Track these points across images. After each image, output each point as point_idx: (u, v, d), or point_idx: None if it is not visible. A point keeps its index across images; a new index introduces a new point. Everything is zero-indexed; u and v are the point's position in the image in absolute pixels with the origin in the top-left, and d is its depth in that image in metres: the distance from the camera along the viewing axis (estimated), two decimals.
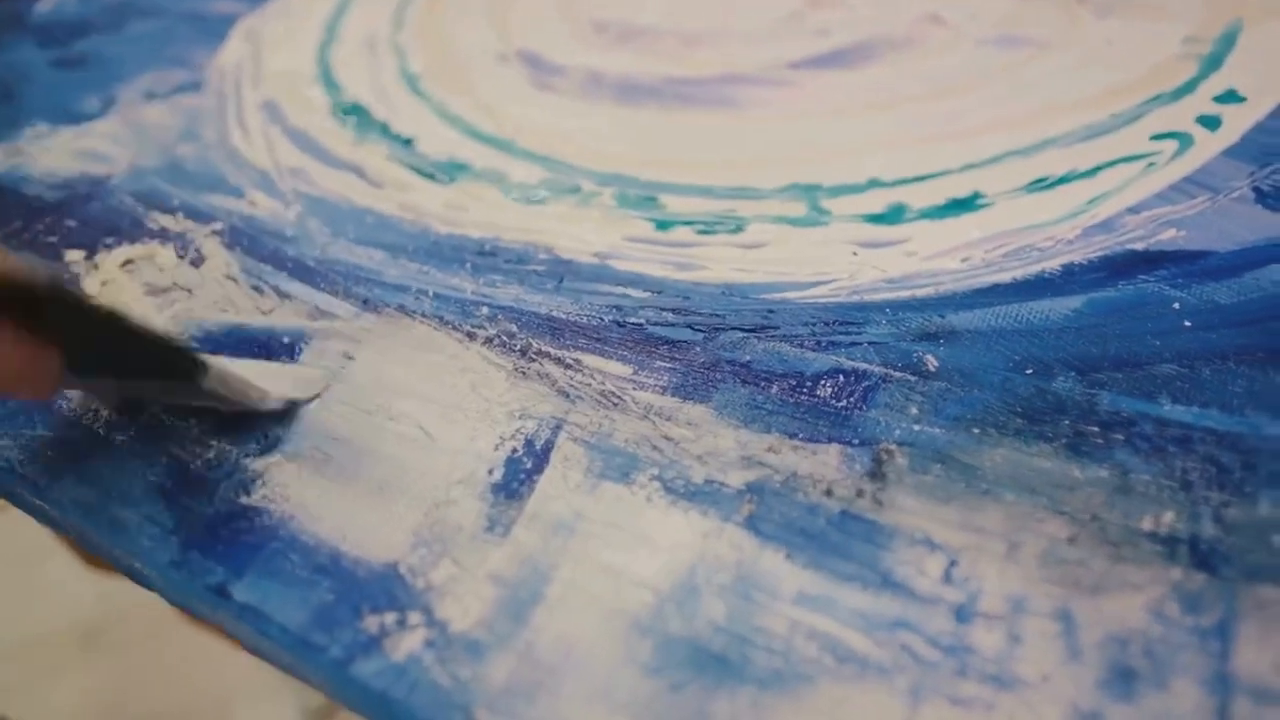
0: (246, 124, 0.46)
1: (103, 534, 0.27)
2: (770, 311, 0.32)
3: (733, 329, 0.32)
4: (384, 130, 0.44)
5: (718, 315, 0.32)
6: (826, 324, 0.31)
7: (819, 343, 0.31)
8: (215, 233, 0.39)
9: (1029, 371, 0.28)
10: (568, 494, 0.27)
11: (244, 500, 0.28)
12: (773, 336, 0.31)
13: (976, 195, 0.35)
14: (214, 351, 0.32)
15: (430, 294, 0.35)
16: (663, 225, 0.36)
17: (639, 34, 0.49)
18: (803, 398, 0.29)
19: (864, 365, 0.29)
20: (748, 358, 0.30)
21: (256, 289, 0.36)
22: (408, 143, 0.43)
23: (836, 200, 0.36)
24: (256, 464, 0.29)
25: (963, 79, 0.42)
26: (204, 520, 0.27)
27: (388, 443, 0.29)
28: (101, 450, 0.29)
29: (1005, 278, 0.32)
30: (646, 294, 0.34)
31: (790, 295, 0.33)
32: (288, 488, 0.28)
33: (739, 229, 0.36)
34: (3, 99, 0.50)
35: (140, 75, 0.51)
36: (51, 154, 0.45)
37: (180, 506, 0.28)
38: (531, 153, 0.42)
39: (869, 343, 0.30)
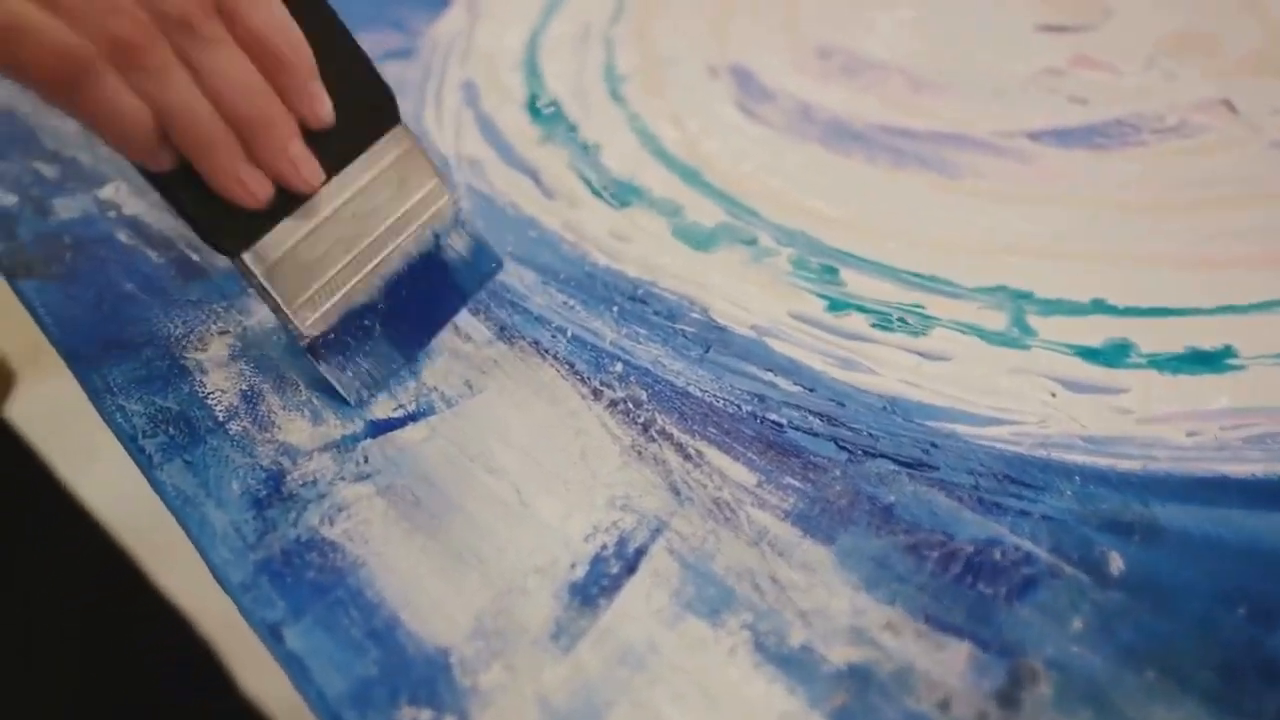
0: (443, 103, 0.45)
1: (192, 529, 0.27)
2: (933, 445, 0.27)
3: (884, 457, 0.27)
4: (571, 132, 0.42)
5: (871, 435, 0.28)
6: (996, 478, 0.26)
7: (981, 500, 0.26)
8: None
9: (1242, 611, 0.22)
10: (647, 618, 0.24)
11: (325, 531, 0.26)
12: (929, 479, 0.26)
13: (1228, 351, 0.29)
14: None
15: (569, 334, 0.32)
16: (836, 306, 0.32)
17: (865, 68, 0.44)
18: (945, 569, 0.24)
19: (1030, 545, 0.25)
20: (892, 498, 0.26)
21: None
22: (594, 151, 0.41)
23: (1047, 320, 0.31)
24: (348, 491, 0.28)
25: (1244, 189, 0.35)
26: (283, 543, 0.26)
27: (479, 501, 0.27)
28: (215, 438, 0.29)
29: (1242, 471, 0.26)
30: (797, 389, 0.30)
31: (961, 429, 0.28)
32: (370, 526, 0.27)
33: (921, 331, 0.31)
34: None
35: (358, 34, 0.51)
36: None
37: (266, 521, 0.27)
38: (715, 188, 0.38)
39: (1043, 516, 0.25)
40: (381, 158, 0.29)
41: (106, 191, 0.41)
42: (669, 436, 0.29)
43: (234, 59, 0.24)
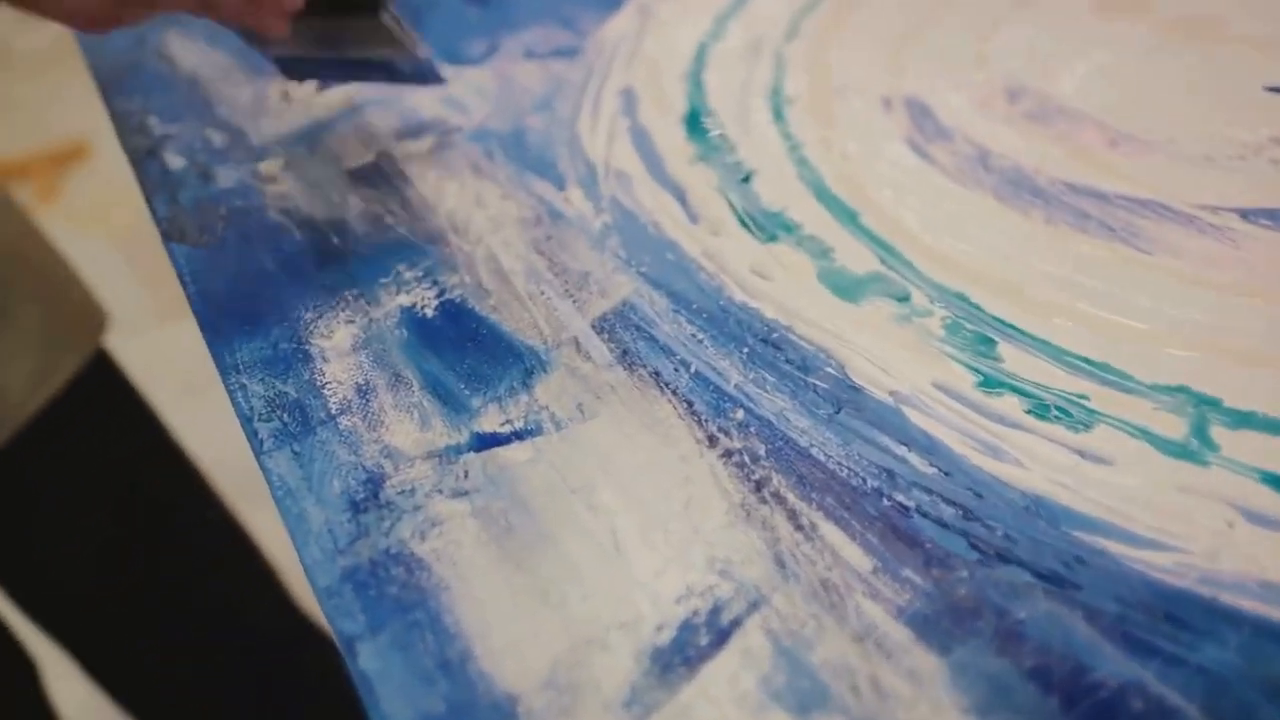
0: (600, 109, 0.44)
1: (290, 523, 0.27)
2: (1079, 560, 0.24)
3: (1020, 564, 0.24)
4: (726, 154, 0.40)
5: (1009, 537, 0.25)
6: (1149, 612, 0.23)
7: (1127, 635, 0.23)
8: (520, 219, 0.37)
9: None
10: (728, 702, 0.22)
11: (415, 546, 0.26)
12: (1068, 599, 0.23)
13: None
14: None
15: (692, 369, 0.31)
16: (989, 384, 0.29)
17: (1056, 114, 0.41)
18: (1072, 707, 0.21)
19: (1178, 700, 0.21)
20: (1023, 615, 0.23)
21: (527, 293, 0.34)
22: (745, 178, 0.39)
23: (1235, 435, 0.27)
24: (443, 506, 0.27)
25: None
26: (373, 552, 0.26)
27: (574, 537, 0.26)
28: (325, 430, 0.29)
29: None
30: (932, 470, 0.27)
31: (1115, 547, 0.24)
32: (460, 548, 0.26)
33: (1083, 426, 0.28)
34: (410, 21, 0.53)
35: (529, 28, 0.51)
36: (426, 90, 0.46)
37: (360, 525, 0.26)
38: (871, 232, 0.36)
39: (1199, 668, 0.22)
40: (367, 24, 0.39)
41: (266, 165, 0.42)
42: (782, 500, 0.26)
43: None
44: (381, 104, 0.45)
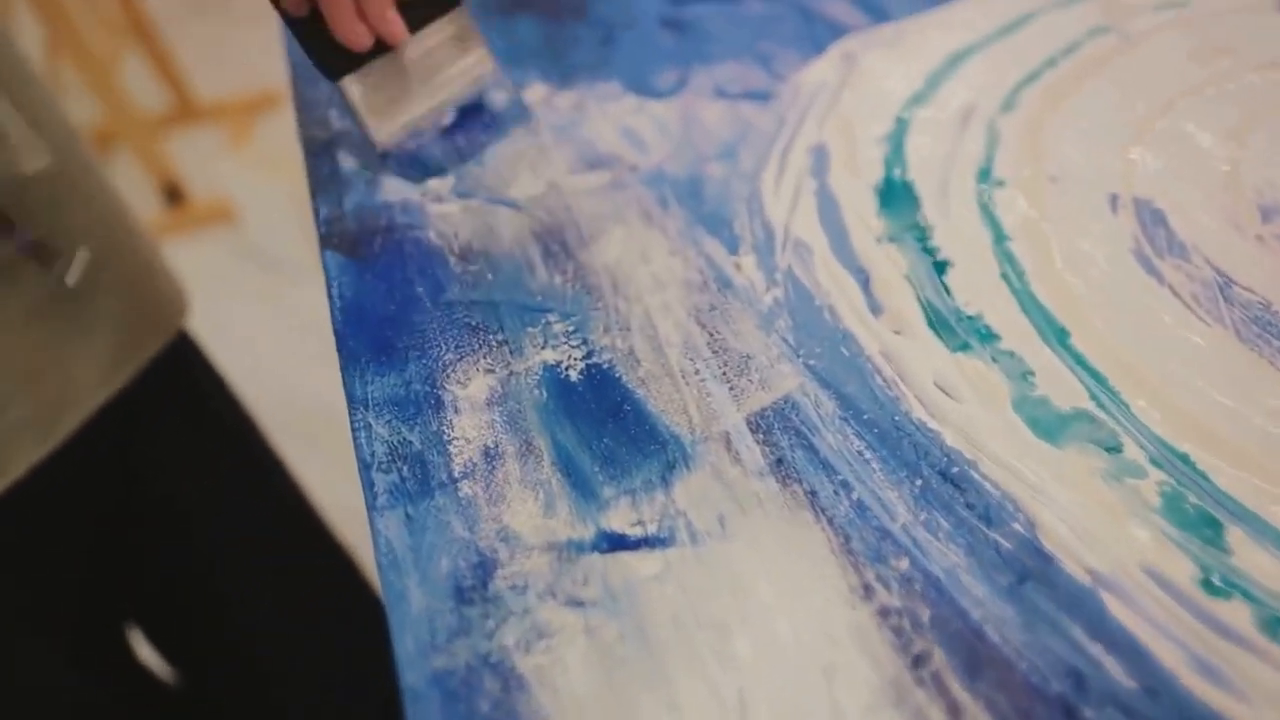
0: (787, 165, 0.40)
1: (390, 599, 0.25)
2: None
3: None
4: (921, 237, 0.36)
5: None
6: None
7: None
8: (685, 281, 0.34)
9: None
10: None
11: (518, 658, 0.23)
12: None
13: None
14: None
15: (854, 496, 0.27)
16: (1213, 589, 0.24)
17: None
18: None
19: None
20: None
21: (681, 370, 0.31)
22: (940, 268, 0.35)
23: None
24: (555, 615, 0.24)
25: None
26: (470, 656, 0.23)
27: (693, 688, 0.23)
28: (443, 495, 0.27)
29: None
30: (1131, 684, 0.22)
31: None
32: (565, 672, 0.23)
33: None
34: (603, 40, 0.51)
35: (723, 63, 0.48)
36: (607, 120, 0.44)
37: (463, 619, 0.24)
38: (1083, 358, 0.31)
39: None
40: (444, 28, 0.42)
41: (435, 182, 0.40)
42: (944, 688, 0.22)
43: None
44: (560, 130, 0.43)
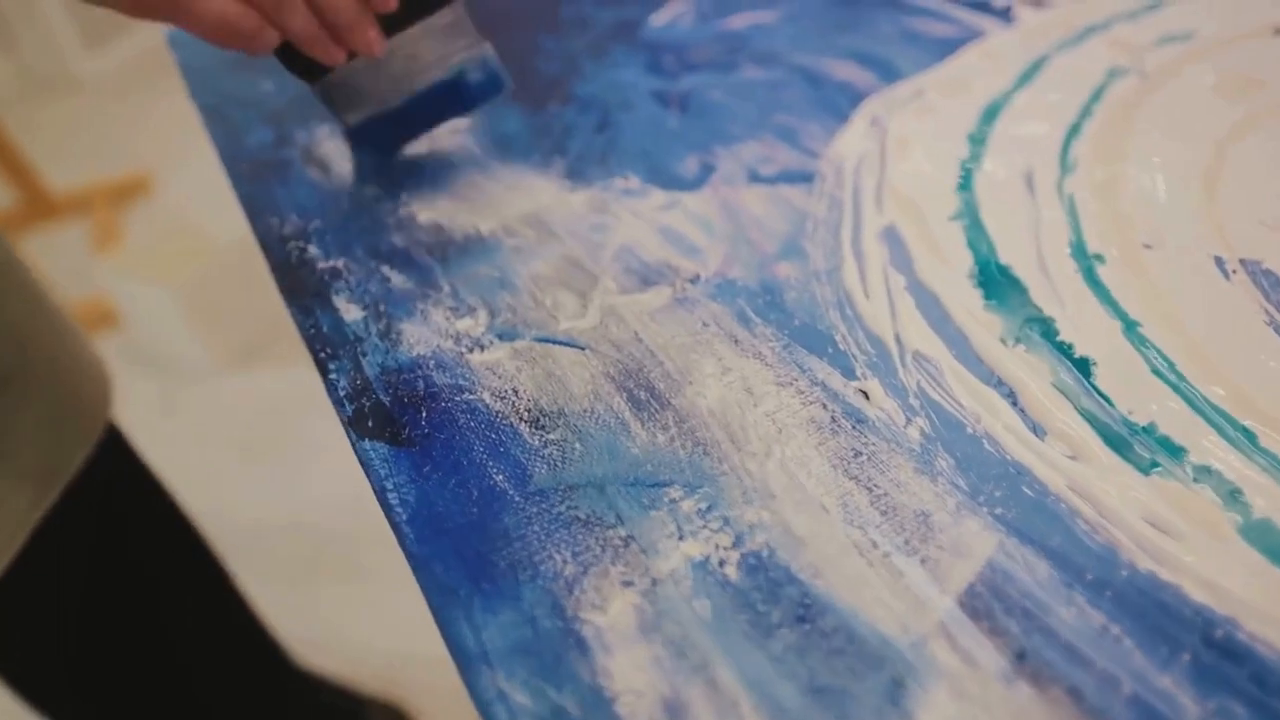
0: (864, 258, 0.36)
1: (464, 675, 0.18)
2: None
3: None
4: (1045, 331, 0.32)
5: None
6: None
7: None
8: (810, 421, 0.29)
9: None
10: None
11: None
12: None
13: None
14: None
15: (1122, 690, 0.22)
16: None
17: None
18: None
19: None
20: None
21: (854, 543, 0.25)
22: (1084, 370, 0.31)
23: None
24: None
25: None
26: None
27: None
28: (508, 592, 0.21)
29: None
30: None
31: None
32: None
33: None
34: (600, 126, 0.45)
35: (744, 141, 0.43)
36: (640, 222, 0.38)
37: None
38: None
39: None
40: (435, 23, 0.40)
41: (464, 323, 0.34)
42: None
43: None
44: (585, 236, 0.37)
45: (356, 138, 0.44)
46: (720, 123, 0.44)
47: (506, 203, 0.40)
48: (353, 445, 0.29)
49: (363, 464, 0.29)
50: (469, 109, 0.43)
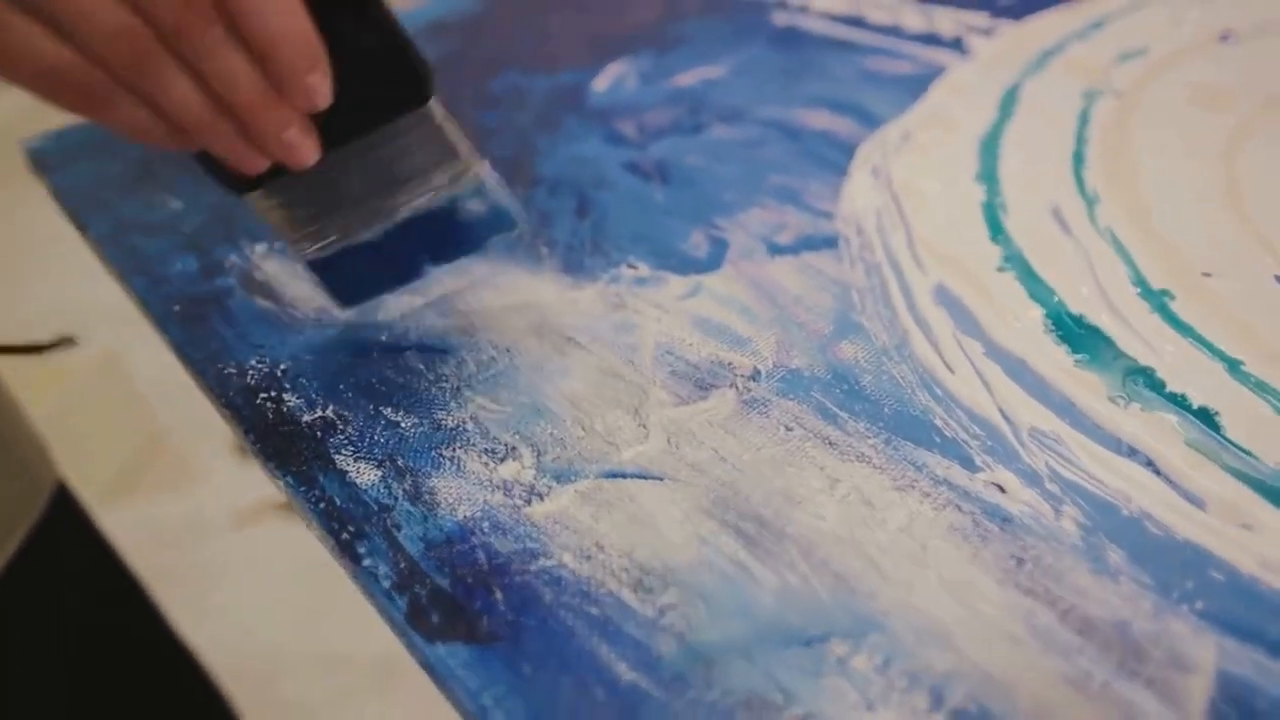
0: (929, 328, 0.33)
1: None
2: None
3: None
4: (1151, 384, 0.29)
5: None
6: None
7: None
8: (950, 528, 0.25)
9: None
10: None
11: None
12: None
13: None
14: None
15: None
16: None
17: None
18: None
19: None
20: None
21: (1067, 677, 0.22)
22: (1211, 423, 0.28)
23: None
24: None
25: None
26: None
27: None
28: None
29: None
30: None
31: None
32: None
33: None
34: (580, 209, 0.41)
35: (746, 209, 0.39)
36: (669, 316, 0.34)
37: None
38: None
39: None
40: (404, 130, 0.30)
41: (508, 468, 0.28)
42: None
43: (230, 61, 0.25)
44: (612, 340, 0.33)
45: (321, 273, 0.33)
46: (711, 190, 0.41)
47: (505, 313, 0.35)
48: (421, 653, 0.23)
49: (439, 677, 0.23)
50: (469, 250, 0.34)
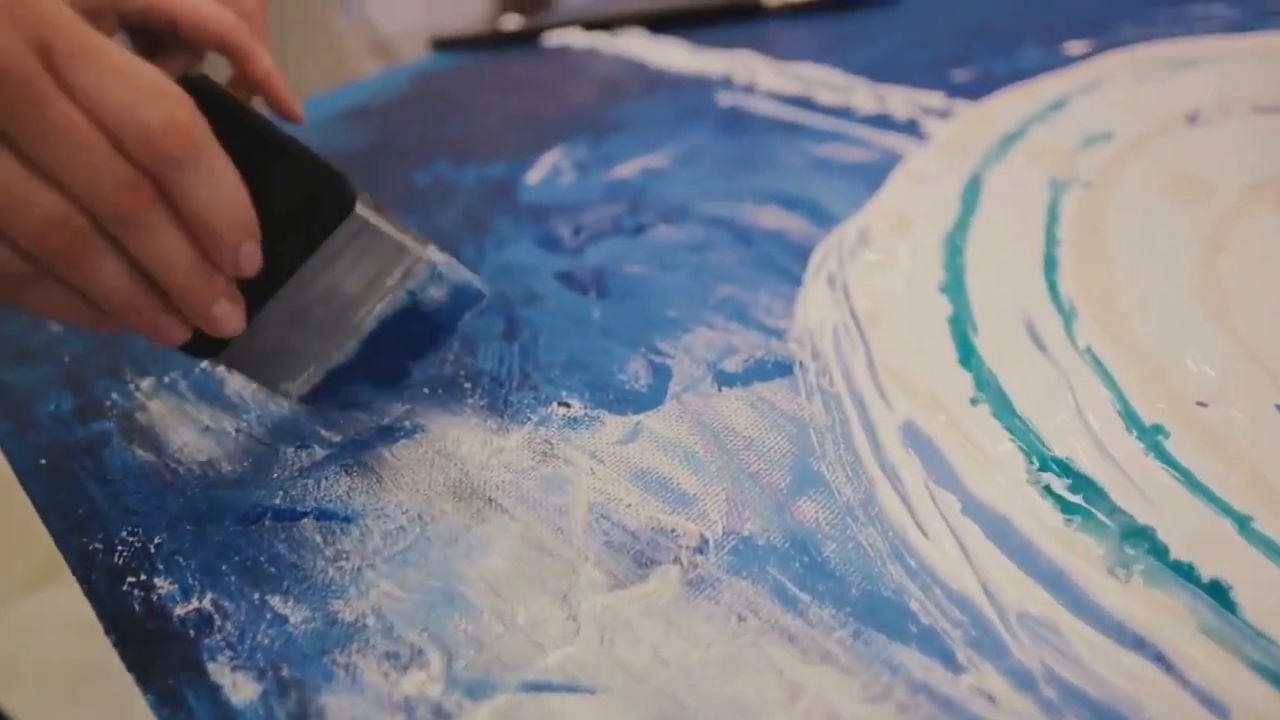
0: (894, 473, 0.29)
1: None
2: None
3: None
4: (1151, 547, 0.26)
5: None
6: None
7: None
8: None
9: None
10: None
11: None
12: None
13: None
14: None
15: None
16: None
17: None
18: None
19: None
20: None
21: None
22: (1222, 600, 0.24)
23: None
24: None
25: None
26: None
27: None
28: None
29: None
30: None
31: None
32: None
33: None
34: (508, 331, 0.36)
35: (690, 329, 0.35)
36: (603, 468, 0.30)
37: None
38: None
39: None
40: (340, 244, 0.29)
41: (412, 679, 0.24)
42: None
43: (168, 242, 0.24)
44: (539, 502, 0.28)
45: (315, 405, 0.33)
46: (653, 305, 0.37)
47: (419, 465, 0.31)
48: None
49: None
50: (445, 335, 0.35)
